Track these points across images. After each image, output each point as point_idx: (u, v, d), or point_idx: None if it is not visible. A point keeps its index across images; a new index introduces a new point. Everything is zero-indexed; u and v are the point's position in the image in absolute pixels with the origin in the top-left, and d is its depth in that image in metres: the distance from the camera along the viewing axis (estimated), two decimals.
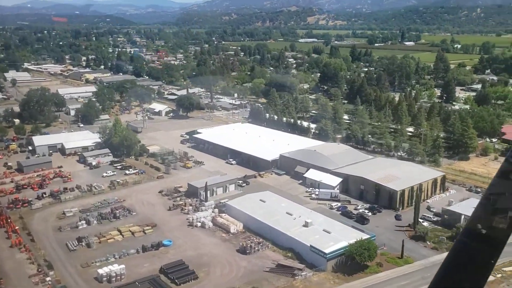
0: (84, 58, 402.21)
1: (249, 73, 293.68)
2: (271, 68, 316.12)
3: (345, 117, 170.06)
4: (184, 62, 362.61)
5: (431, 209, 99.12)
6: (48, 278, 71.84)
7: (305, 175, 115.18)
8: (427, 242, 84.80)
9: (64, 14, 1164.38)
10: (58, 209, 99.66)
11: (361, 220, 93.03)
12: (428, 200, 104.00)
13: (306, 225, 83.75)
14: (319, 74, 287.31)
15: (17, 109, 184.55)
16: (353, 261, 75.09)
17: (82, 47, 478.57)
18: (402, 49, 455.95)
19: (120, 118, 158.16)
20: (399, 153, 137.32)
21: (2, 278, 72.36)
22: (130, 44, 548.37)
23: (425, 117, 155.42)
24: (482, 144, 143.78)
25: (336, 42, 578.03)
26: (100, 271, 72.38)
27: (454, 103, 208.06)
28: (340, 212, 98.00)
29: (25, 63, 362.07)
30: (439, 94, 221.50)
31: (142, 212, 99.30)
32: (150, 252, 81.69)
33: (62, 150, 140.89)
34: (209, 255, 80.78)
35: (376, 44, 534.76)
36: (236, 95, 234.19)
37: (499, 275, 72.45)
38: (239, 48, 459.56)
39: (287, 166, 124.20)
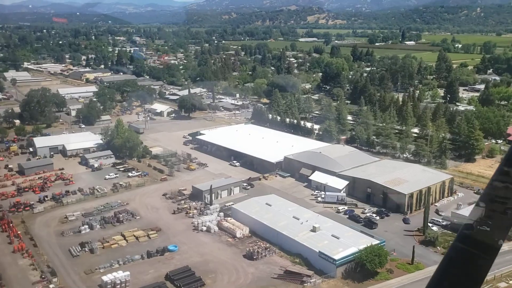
0: (84, 57, 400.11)
1: (250, 73, 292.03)
2: (272, 68, 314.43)
3: (349, 118, 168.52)
4: (185, 61, 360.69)
5: (440, 213, 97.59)
6: (51, 286, 70.21)
7: (310, 178, 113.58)
8: (437, 247, 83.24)
9: (64, 13, 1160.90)
10: (60, 213, 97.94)
11: (369, 224, 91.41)
12: (436, 204, 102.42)
13: (314, 230, 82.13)
14: (320, 74, 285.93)
15: (17, 109, 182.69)
16: (363, 267, 73.50)
17: (82, 46, 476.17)
18: (403, 49, 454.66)
19: (122, 118, 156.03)
20: (404, 155, 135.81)
21: (5, 285, 70.69)
22: (130, 43, 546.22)
23: (430, 118, 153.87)
24: (488, 145, 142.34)
25: (336, 41, 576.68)
26: (105, 278, 70.71)
27: (457, 103, 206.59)
28: (347, 216, 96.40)
29: (25, 63, 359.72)
30: (442, 95, 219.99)
31: (146, 216, 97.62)
32: (155, 257, 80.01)
33: (63, 152, 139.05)
34: (215, 260, 79.16)
35: (377, 44, 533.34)
36: (238, 95, 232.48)
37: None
38: (240, 47, 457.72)
39: (292, 168, 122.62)
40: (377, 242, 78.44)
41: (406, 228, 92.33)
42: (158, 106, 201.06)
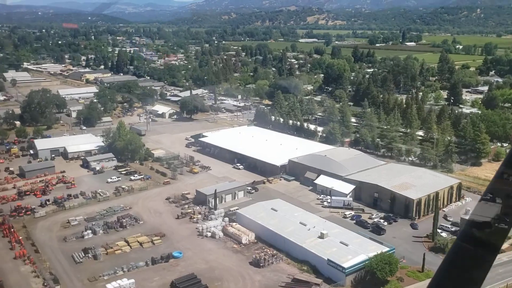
0: (83, 57, 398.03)
1: (251, 74, 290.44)
2: (273, 69, 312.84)
3: (352, 120, 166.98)
4: (185, 62, 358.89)
5: (448, 218, 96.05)
6: None
7: (315, 182, 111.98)
8: None
9: (63, 13, 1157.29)
10: (62, 217, 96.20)
11: (377, 230, 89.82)
12: (444, 209, 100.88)
13: (321, 236, 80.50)
14: (322, 75, 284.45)
15: (17, 110, 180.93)
16: (373, 276, 71.88)
17: (81, 46, 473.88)
18: (404, 50, 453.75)
19: (123, 120, 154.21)
20: (410, 158, 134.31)
21: None
22: (130, 43, 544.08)
23: (435, 120, 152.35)
24: (494, 149, 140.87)
25: (336, 42, 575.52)
26: (109, 286, 69.07)
27: (461, 105, 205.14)
28: (354, 221, 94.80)
29: (24, 63, 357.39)
30: (445, 97, 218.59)
31: (149, 220, 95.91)
32: (160, 264, 78.33)
33: (64, 154, 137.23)
34: (221, 267, 77.49)
35: (377, 45, 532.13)
36: (240, 96, 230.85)
37: None
38: (240, 48, 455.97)
39: (296, 171, 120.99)
40: (387, 249, 76.82)
41: (415, 234, 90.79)
42: (160, 108, 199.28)
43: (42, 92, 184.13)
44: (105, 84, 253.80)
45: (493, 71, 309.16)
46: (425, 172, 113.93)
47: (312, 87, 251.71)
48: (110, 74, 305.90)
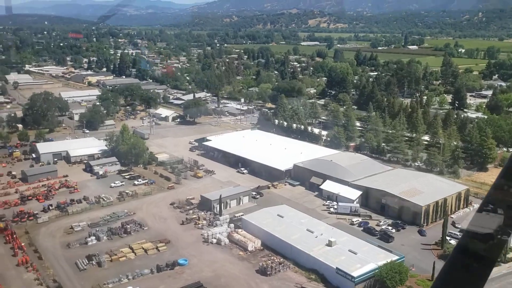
0: (85, 60, 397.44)
1: (254, 77, 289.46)
2: (276, 72, 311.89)
3: (357, 124, 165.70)
4: (188, 65, 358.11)
5: (457, 225, 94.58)
6: None
7: (321, 187, 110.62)
8: None
9: (64, 15, 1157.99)
10: (65, 223, 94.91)
11: (385, 237, 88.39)
12: (452, 216, 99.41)
13: (329, 244, 79.13)
14: (324, 78, 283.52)
15: (19, 113, 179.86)
16: (382, 285, 70.48)
17: (83, 48, 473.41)
18: (406, 53, 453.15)
19: (127, 124, 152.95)
20: (416, 163, 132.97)
21: None
22: (132, 46, 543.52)
23: (440, 125, 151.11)
24: (500, 154, 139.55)
25: (338, 45, 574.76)
26: None
27: (465, 110, 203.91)
28: (362, 228, 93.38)
29: (26, 65, 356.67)
30: (449, 101, 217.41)
31: (154, 226, 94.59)
32: (165, 272, 76.95)
33: (67, 158, 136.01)
34: (227, 276, 76.13)
35: (379, 48, 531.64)
36: (242, 100, 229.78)
37: None
38: (242, 51, 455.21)
39: (302, 176, 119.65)
40: (396, 257, 75.48)
41: (423, 241, 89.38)
42: (163, 111, 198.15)
43: (44, 95, 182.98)
44: (108, 87, 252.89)
45: (496, 75, 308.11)
46: (433, 178, 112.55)
47: (315, 91, 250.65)
48: (112, 76, 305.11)
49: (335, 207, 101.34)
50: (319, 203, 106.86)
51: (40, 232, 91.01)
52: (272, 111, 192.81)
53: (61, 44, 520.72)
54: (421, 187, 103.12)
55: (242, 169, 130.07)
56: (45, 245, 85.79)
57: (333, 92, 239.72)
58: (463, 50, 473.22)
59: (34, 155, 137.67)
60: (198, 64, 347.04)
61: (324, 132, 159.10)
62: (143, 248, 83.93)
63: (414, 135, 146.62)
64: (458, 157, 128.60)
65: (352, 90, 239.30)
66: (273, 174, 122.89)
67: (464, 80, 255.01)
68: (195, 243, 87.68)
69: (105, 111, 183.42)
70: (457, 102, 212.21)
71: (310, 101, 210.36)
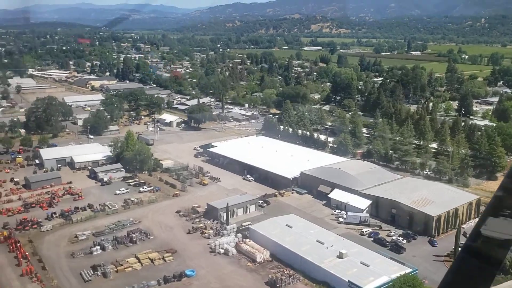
0: (88, 64, 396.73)
1: (258, 82, 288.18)
2: (279, 77, 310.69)
3: (363, 130, 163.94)
4: (191, 70, 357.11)
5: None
6: None
7: (330, 196, 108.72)
8: None
9: (66, 18, 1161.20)
10: (69, 232, 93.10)
11: (397, 248, 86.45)
12: (463, 226, 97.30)
13: (340, 256, 77.20)
14: (328, 84, 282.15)
15: (22, 118, 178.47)
16: None
17: (86, 52, 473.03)
18: (409, 59, 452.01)
19: (132, 130, 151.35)
20: (425, 172, 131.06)
21: None
22: (135, 50, 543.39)
23: (448, 133, 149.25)
24: (510, 162, 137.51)
25: (341, 50, 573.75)
26: None
27: (471, 117, 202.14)
28: (372, 239, 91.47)
29: (29, 69, 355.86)
30: (455, 107, 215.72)
31: (159, 235, 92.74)
32: (172, 283, 75.02)
33: (71, 164, 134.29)
34: None
35: (382, 53, 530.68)
36: (247, 105, 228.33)
37: None
38: (245, 56, 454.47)
39: (309, 184, 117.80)
40: (409, 270, 73.56)
41: (435, 252, 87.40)
42: (167, 116, 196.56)
43: (48, 100, 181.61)
44: (111, 91, 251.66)
45: (501, 82, 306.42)
46: (443, 187, 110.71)
47: (319, 96, 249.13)
48: (115, 81, 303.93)
49: (344, 216, 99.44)
50: (328, 213, 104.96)
51: (44, 241, 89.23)
52: (276, 117, 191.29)
53: (64, 48, 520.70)
54: (431, 196, 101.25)
55: (248, 176, 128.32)
56: (49, 255, 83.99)
57: (338, 98, 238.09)
58: (466, 56, 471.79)
59: (37, 161, 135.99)
60: (202, 69, 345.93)
61: (330, 139, 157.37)
62: (149, 258, 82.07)
63: (422, 142, 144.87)
64: (467, 166, 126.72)
65: (357, 96, 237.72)
66: (279, 182, 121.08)
67: (469, 86, 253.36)
68: (202, 253, 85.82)
69: (109, 116, 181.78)
70: (463, 109, 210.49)
71: (316, 107, 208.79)
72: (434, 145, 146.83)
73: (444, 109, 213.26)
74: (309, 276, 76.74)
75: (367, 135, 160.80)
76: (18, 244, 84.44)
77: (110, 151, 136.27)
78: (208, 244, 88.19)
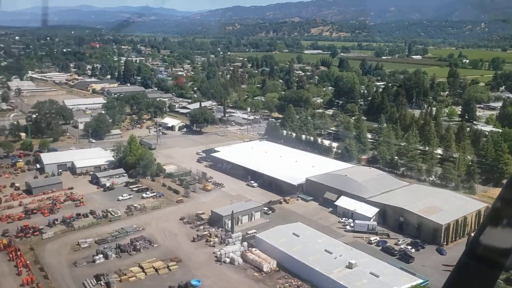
0: (89, 66, 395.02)
1: (259, 85, 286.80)
2: (280, 81, 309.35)
3: (368, 136, 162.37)
4: (192, 73, 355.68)
5: None
6: None
7: (336, 203, 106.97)
8: None
9: (66, 20, 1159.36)
10: (71, 239, 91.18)
11: (405, 258, 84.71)
12: (472, 234, 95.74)
13: (350, 266, 75.43)
14: (330, 87, 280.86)
15: (22, 121, 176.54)
16: None
17: (87, 55, 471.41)
18: (410, 63, 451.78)
19: (135, 134, 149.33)
20: (430, 178, 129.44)
21: None
22: (135, 53, 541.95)
23: (453, 138, 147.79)
24: None
25: (342, 54, 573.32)
26: None
27: (475, 122, 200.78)
28: (380, 247, 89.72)
29: (29, 71, 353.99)
30: (459, 113, 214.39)
31: (163, 243, 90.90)
32: None
33: (72, 169, 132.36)
34: None
35: (383, 57, 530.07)
36: (249, 109, 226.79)
37: None
38: (246, 59, 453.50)
39: (315, 191, 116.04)
40: (420, 281, 71.99)
41: (443, 260, 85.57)
42: (169, 120, 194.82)
43: (49, 103, 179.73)
44: (112, 94, 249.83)
45: (503, 87, 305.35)
46: (450, 194, 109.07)
47: (322, 100, 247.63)
48: (117, 84, 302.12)
49: (352, 224, 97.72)
50: (334, 220, 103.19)
51: (45, 249, 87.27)
52: (279, 121, 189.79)
53: (64, 50, 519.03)
54: (439, 204, 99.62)
55: (252, 182, 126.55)
56: (51, 263, 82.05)
57: (341, 102, 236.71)
58: (467, 61, 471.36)
59: (38, 166, 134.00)
60: (203, 72, 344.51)
61: (334, 144, 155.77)
62: (153, 267, 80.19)
63: (427, 148, 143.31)
64: (474, 172, 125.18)
65: (360, 101, 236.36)
66: (284, 188, 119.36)
67: (472, 91, 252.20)
68: (207, 262, 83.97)
69: (110, 120, 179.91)
70: (466, 114, 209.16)
71: (319, 111, 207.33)
72: (439, 151, 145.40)
73: (447, 114, 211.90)
74: (317, 287, 74.99)
75: (371, 140, 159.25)
76: (19, 252, 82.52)
77: (113, 156, 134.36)
78: (214, 253, 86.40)
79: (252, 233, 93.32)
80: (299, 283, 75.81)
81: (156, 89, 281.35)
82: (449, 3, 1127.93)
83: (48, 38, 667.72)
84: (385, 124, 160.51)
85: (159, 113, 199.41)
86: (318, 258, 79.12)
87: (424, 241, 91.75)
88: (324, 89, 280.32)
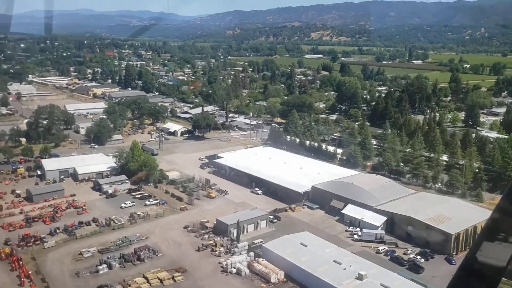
0: (89, 70, 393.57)
1: (261, 90, 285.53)
2: (282, 85, 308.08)
3: (373, 142, 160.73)
4: (193, 78, 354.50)
5: None
6: None
7: (343, 212, 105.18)
8: None
9: (66, 24, 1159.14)
10: (73, 248, 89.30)
11: (415, 268, 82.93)
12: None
13: (360, 278, 73.61)
14: (332, 92, 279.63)
15: (23, 126, 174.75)
16: None
17: (87, 59, 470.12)
18: (411, 68, 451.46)
19: (137, 140, 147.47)
20: (437, 185, 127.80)
21: None
22: (136, 57, 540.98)
23: (459, 145, 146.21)
24: None
25: (343, 58, 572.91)
26: None
27: (478, 128, 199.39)
28: (389, 257, 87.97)
29: (29, 75, 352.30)
30: (462, 118, 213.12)
31: (168, 253, 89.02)
32: None
33: (74, 175, 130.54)
34: None
35: (384, 62, 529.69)
36: (251, 114, 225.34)
37: None
38: (247, 63, 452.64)
39: (321, 199, 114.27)
40: None
41: (453, 270, 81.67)
42: (171, 125, 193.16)
43: (50, 108, 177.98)
44: (114, 99, 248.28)
45: (506, 92, 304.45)
46: (458, 202, 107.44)
47: (324, 105, 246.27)
48: (118, 88, 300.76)
49: (359, 234, 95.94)
50: (341, 229, 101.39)
51: (47, 258, 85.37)
52: (282, 126, 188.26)
53: (64, 54, 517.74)
54: (448, 213, 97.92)
55: (257, 189, 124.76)
56: (53, 273, 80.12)
57: (344, 108, 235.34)
58: (468, 66, 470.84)
59: (39, 172, 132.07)
60: (204, 77, 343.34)
61: (339, 150, 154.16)
62: (158, 278, 78.25)
63: (432, 155, 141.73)
64: (481, 180, 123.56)
65: (363, 106, 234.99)
66: (290, 196, 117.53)
67: (474, 97, 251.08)
68: (213, 272, 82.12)
69: (112, 125, 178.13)
70: (470, 120, 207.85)
71: (322, 116, 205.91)
72: (444, 157, 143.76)
73: (451, 119, 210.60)
74: None
75: (376, 146, 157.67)
76: (21, 262, 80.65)
77: (115, 162, 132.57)
78: (219, 263, 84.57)
79: (258, 242, 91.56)
80: None
81: (157, 93, 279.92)
82: (449, 8, 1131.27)
83: (48, 41, 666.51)
84: (389, 130, 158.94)
85: (161, 118, 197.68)
86: (327, 269, 77.33)
87: (433, 250, 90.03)
88: (326, 94, 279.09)
